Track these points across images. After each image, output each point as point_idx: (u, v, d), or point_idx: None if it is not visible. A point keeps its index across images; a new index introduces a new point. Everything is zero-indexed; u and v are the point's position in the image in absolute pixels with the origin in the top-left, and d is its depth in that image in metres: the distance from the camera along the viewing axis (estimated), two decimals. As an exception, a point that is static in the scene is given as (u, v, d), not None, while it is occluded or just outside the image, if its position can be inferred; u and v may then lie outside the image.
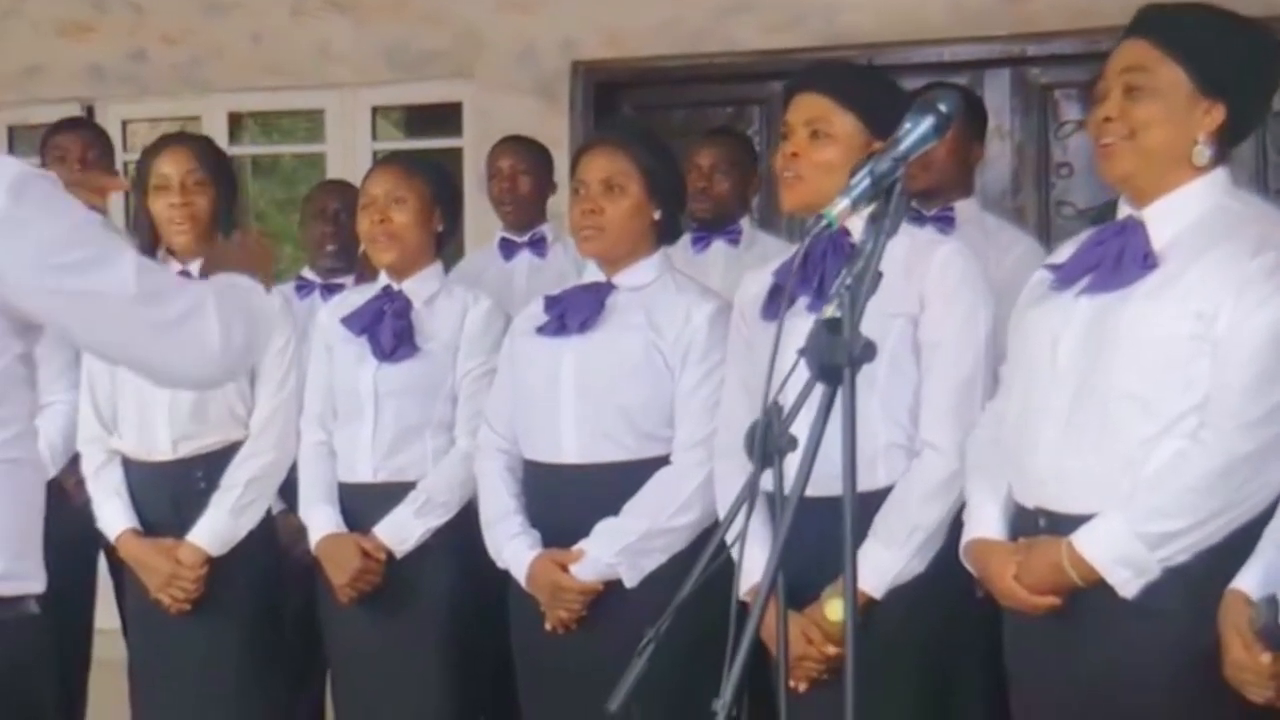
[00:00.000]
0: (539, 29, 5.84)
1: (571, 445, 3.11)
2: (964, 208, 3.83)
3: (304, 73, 6.17)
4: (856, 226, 2.41)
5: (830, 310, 1.81)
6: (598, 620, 3.06)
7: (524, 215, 4.69)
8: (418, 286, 3.52)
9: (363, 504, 3.45)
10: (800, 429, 1.85)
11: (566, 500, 3.10)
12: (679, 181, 3.29)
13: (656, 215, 3.16)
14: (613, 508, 3.06)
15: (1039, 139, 5.54)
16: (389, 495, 3.42)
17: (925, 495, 2.68)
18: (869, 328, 1.80)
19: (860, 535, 2.56)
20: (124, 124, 6.39)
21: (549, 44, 5.84)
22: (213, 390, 3.49)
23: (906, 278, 2.69)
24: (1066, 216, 5.46)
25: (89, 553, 4.05)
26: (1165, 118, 2.37)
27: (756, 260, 3.73)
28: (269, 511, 3.60)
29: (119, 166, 5.10)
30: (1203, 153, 2.38)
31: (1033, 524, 2.46)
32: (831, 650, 2.65)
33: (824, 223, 1.85)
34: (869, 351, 1.78)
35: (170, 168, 3.55)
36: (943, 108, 1.90)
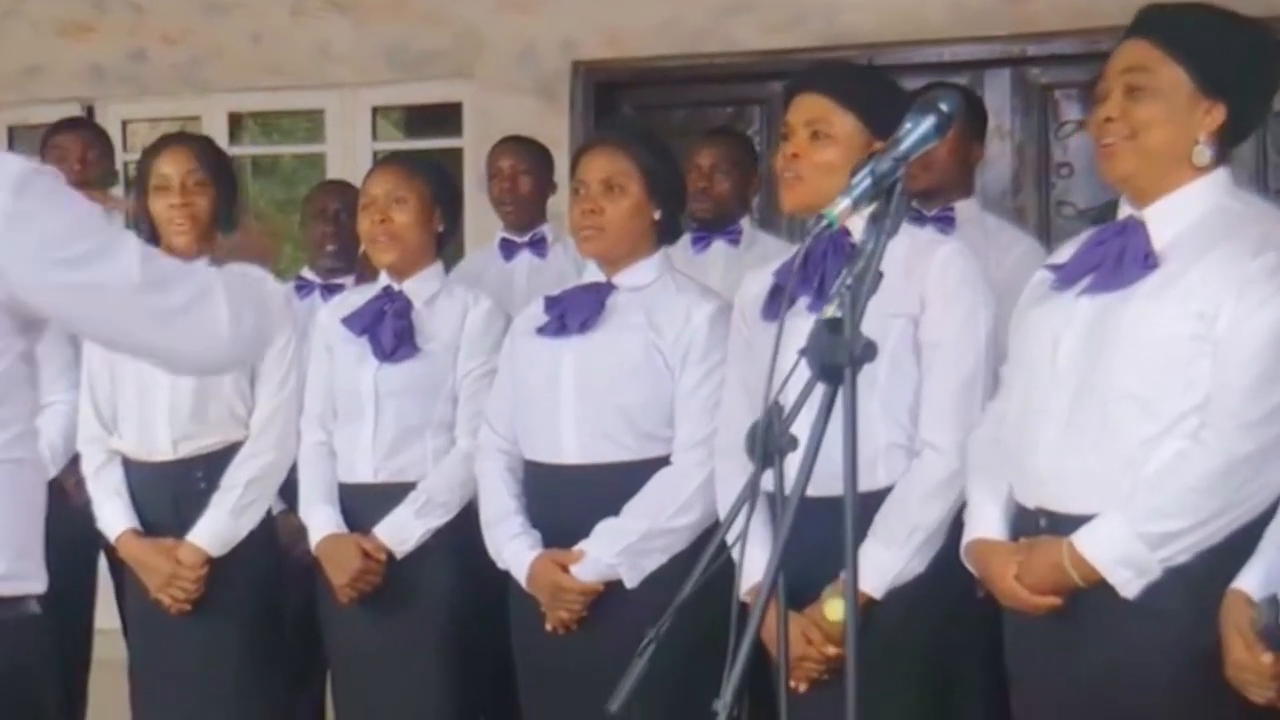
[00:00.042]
0: (539, 29, 5.84)
1: (572, 445, 3.11)
2: (964, 208, 3.83)
3: (304, 73, 6.17)
4: (857, 227, 2.40)
5: (831, 310, 1.81)
6: (598, 621, 3.06)
7: (524, 215, 4.69)
8: (418, 287, 3.52)
9: (363, 504, 3.45)
10: (801, 429, 1.85)
11: (567, 501, 3.10)
12: (679, 181, 3.29)
13: (656, 215, 3.16)
14: (613, 508, 3.06)
15: (1039, 139, 5.54)
16: (389, 495, 3.42)
17: (925, 495, 2.68)
18: (869, 328, 1.80)
19: (860, 536, 2.56)
20: (124, 124, 6.39)
21: (549, 44, 5.84)
22: (214, 389, 3.51)
23: (907, 278, 2.68)
24: (1067, 217, 5.45)
25: (89, 553, 4.05)
26: (1166, 118, 2.37)
27: (757, 260, 3.73)
28: (269, 512, 3.60)
29: (119, 166, 5.10)
30: (1203, 153, 2.38)
31: (1033, 524, 2.46)
32: (831, 650, 2.65)
33: (825, 223, 1.85)
34: (870, 351, 1.77)
35: (170, 168, 3.55)
36: (944, 107, 1.90)
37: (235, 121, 6.51)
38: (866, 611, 2.57)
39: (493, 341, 3.43)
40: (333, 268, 4.36)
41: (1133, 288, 2.37)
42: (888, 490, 2.70)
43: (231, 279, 2.23)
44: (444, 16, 5.97)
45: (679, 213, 3.30)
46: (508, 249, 4.69)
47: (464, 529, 3.37)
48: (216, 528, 3.49)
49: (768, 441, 1.88)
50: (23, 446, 2.13)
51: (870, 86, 2.88)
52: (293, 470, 3.57)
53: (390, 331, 3.45)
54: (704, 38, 5.67)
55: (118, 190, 5.02)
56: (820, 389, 1.81)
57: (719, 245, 4.43)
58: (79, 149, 4.45)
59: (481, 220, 5.25)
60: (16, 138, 6.46)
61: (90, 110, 6.30)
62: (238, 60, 6.21)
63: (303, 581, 3.60)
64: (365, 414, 3.45)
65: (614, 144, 3.18)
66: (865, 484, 2.06)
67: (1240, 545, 2.27)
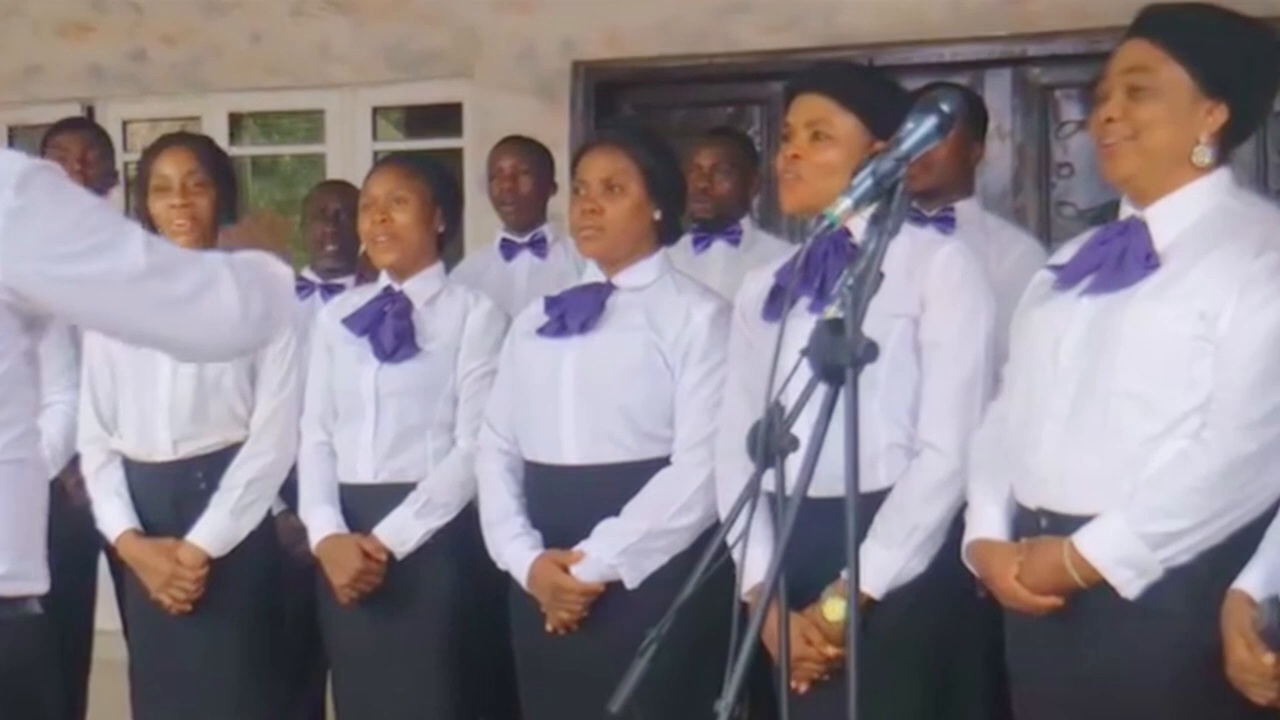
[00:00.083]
0: (539, 29, 5.84)
1: (572, 446, 3.11)
2: (965, 208, 3.83)
3: (304, 73, 6.17)
4: (857, 227, 2.42)
5: (832, 311, 1.80)
6: (599, 621, 3.06)
7: (525, 215, 4.68)
8: (419, 287, 3.51)
9: (363, 505, 3.45)
10: (801, 430, 1.84)
11: (567, 501, 3.10)
12: (679, 181, 3.29)
13: (657, 215, 3.16)
14: (613, 508, 3.06)
15: (1039, 139, 5.53)
16: (389, 496, 3.42)
17: (924, 495, 2.68)
18: (870, 328, 1.80)
19: (861, 536, 2.56)
20: (124, 124, 6.39)
21: (549, 44, 5.83)
22: (215, 389, 3.51)
23: (907, 278, 2.68)
24: (1067, 217, 5.45)
25: (90, 553, 4.05)
26: (1167, 118, 2.37)
27: (757, 261, 3.73)
28: (269, 512, 3.60)
29: (119, 167, 5.09)
30: (1204, 153, 2.38)
31: (1034, 524, 2.46)
32: (830, 651, 2.65)
33: (826, 223, 1.85)
34: (871, 352, 1.77)
35: (171, 168, 3.55)
36: (945, 107, 1.90)
37: (235, 121, 6.51)
38: (866, 611, 2.57)
39: (493, 342, 3.43)
40: (333, 268, 4.36)
41: (1134, 288, 2.37)
42: (888, 490, 2.71)
43: (239, 264, 2.23)
44: (444, 16, 5.96)
45: (679, 213, 3.30)
46: (508, 249, 4.69)
47: (464, 529, 3.37)
48: (217, 528, 3.49)
49: (769, 442, 1.88)
50: (25, 447, 2.13)
51: (871, 87, 2.88)
52: (293, 470, 3.57)
53: (391, 332, 3.44)
54: (704, 38, 5.67)
55: (118, 190, 5.02)
56: (821, 389, 1.81)
57: (719, 245, 4.43)
58: (79, 149, 4.45)
59: (482, 220, 5.24)
60: (16, 138, 6.46)
61: (90, 110, 6.30)
62: (238, 60, 6.21)
63: (303, 582, 3.60)
64: (365, 414, 3.45)
65: (614, 144, 3.18)
66: (866, 484, 2.07)
67: (1241, 545, 2.27)
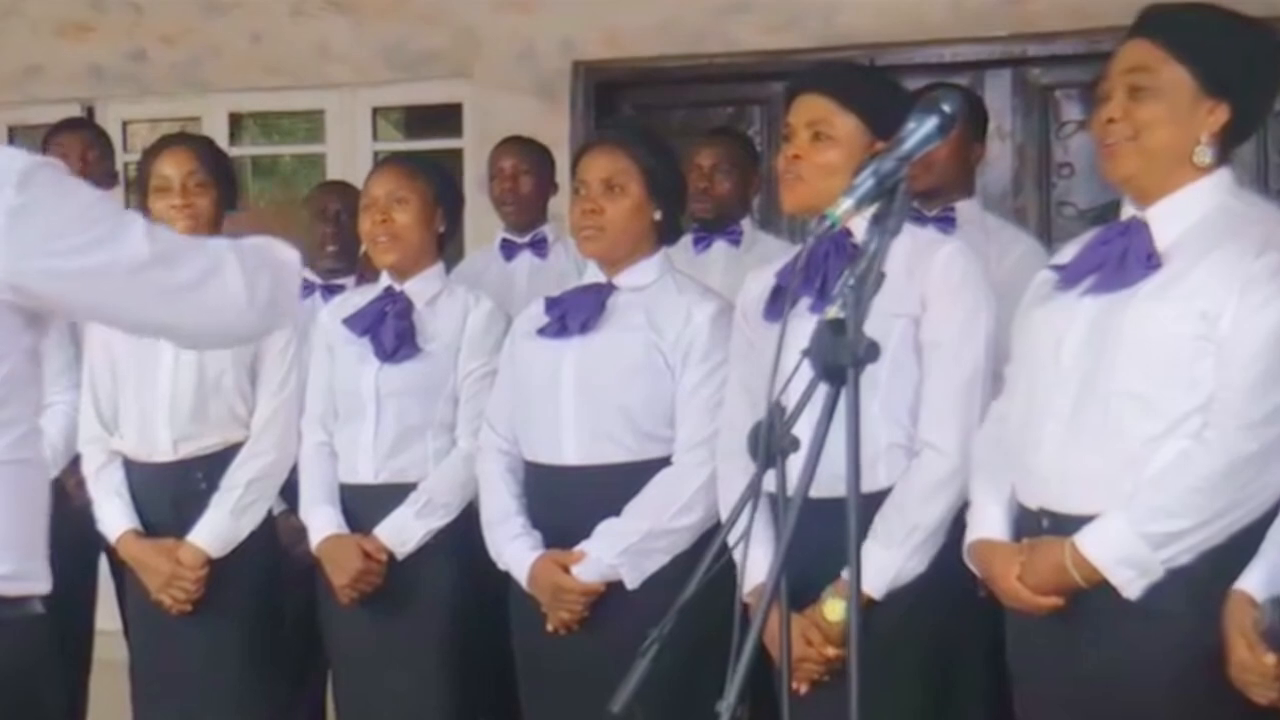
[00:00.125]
0: (539, 29, 5.84)
1: (572, 446, 3.10)
2: (965, 208, 3.83)
3: (304, 73, 6.17)
4: (858, 227, 2.42)
5: (834, 311, 1.80)
6: (599, 621, 3.06)
7: (526, 216, 4.68)
8: (419, 287, 3.51)
9: (364, 505, 3.45)
10: (802, 430, 1.84)
11: (568, 501, 3.10)
12: (679, 182, 3.29)
13: (657, 215, 3.16)
14: (614, 509, 3.06)
15: (1040, 139, 5.53)
16: (390, 496, 3.42)
17: (924, 495, 2.68)
18: (871, 328, 1.80)
19: (861, 536, 2.56)
20: (124, 124, 6.39)
21: (549, 44, 5.83)
22: (215, 389, 3.51)
23: (908, 278, 2.68)
24: (1067, 217, 5.45)
25: (90, 554, 4.05)
26: (1169, 118, 2.37)
27: (757, 261, 3.73)
28: (270, 512, 3.60)
29: (119, 167, 5.09)
30: (1205, 153, 2.38)
31: (1036, 524, 2.45)
32: (830, 651, 2.65)
33: (828, 223, 1.85)
34: (873, 352, 1.77)
35: (171, 169, 3.55)
36: (946, 108, 1.90)
37: (235, 122, 6.51)
38: (866, 612, 2.57)
39: (494, 342, 3.43)
40: (333, 269, 4.36)
41: (1136, 288, 2.37)
42: (889, 491, 2.71)
43: (245, 249, 2.23)
44: (443, 16, 5.96)
45: (679, 213, 3.29)
46: (508, 249, 4.69)
47: (465, 530, 3.37)
48: (217, 528, 3.49)
49: (770, 442, 1.88)
50: (28, 447, 2.13)
51: (872, 87, 2.88)
52: (293, 471, 3.57)
53: (391, 332, 3.44)
54: (704, 38, 5.67)
55: (118, 191, 5.02)
56: (822, 390, 1.81)
57: (720, 246, 4.43)
58: (79, 149, 4.45)
59: (482, 221, 5.24)
60: (16, 138, 6.46)
61: (90, 110, 6.30)
62: (237, 60, 6.20)
63: (303, 582, 3.60)
64: (366, 414, 3.45)
65: (614, 144, 3.18)
66: (866, 484, 2.07)
67: (1243, 546, 2.27)
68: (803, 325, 2.11)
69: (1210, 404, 2.31)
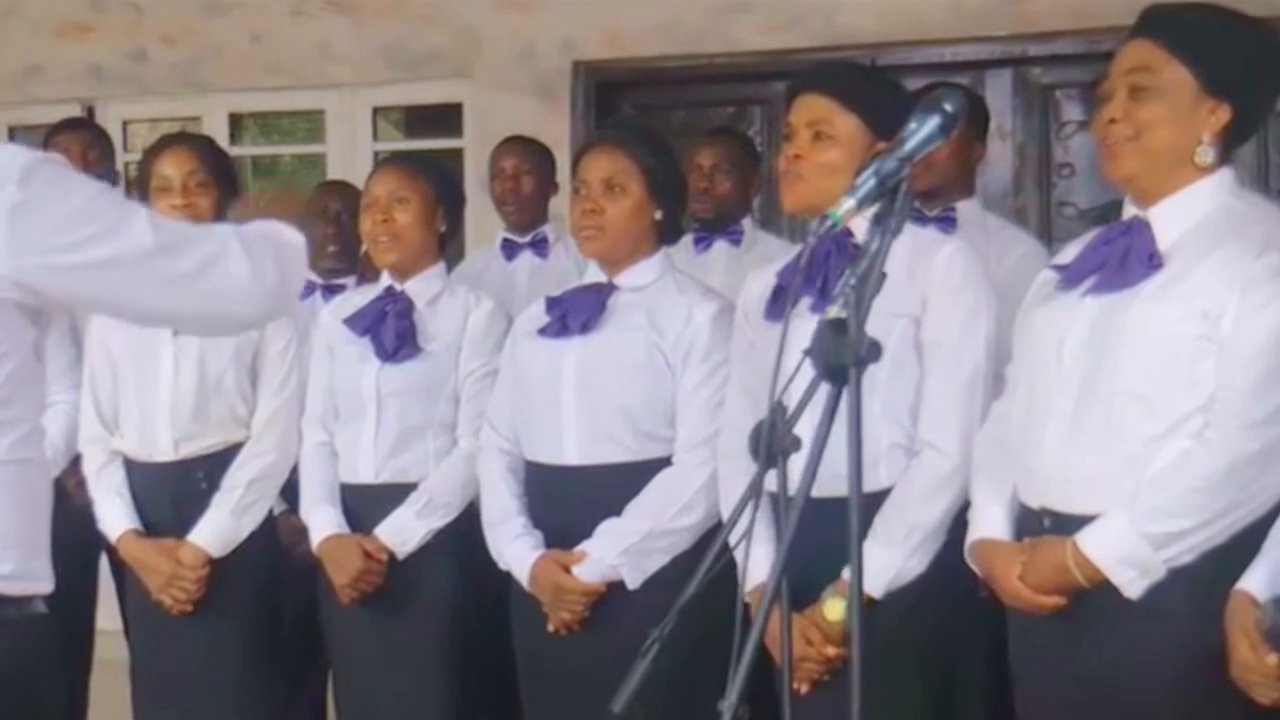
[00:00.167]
0: (539, 29, 5.84)
1: (573, 446, 3.10)
2: (966, 208, 3.83)
3: (304, 73, 6.17)
4: (859, 227, 2.42)
5: (835, 311, 1.80)
6: (600, 621, 3.05)
7: (527, 215, 4.68)
8: (420, 287, 3.51)
9: (364, 505, 3.45)
10: (803, 430, 1.84)
11: (568, 501, 3.10)
12: (680, 181, 3.28)
13: (657, 215, 3.16)
14: (615, 509, 3.06)
15: (1040, 139, 5.53)
16: (391, 496, 3.42)
17: (924, 495, 2.68)
18: (872, 328, 1.80)
19: (862, 536, 2.55)
20: (124, 124, 6.39)
21: (549, 44, 5.83)
22: (216, 389, 3.51)
23: (909, 278, 2.68)
24: (1068, 217, 5.45)
25: (91, 554, 4.05)
26: (1170, 118, 2.37)
27: (758, 261, 3.73)
28: (270, 512, 3.60)
29: (119, 167, 5.09)
30: (1207, 153, 2.38)
31: (1037, 524, 2.46)
32: (830, 651, 2.65)
33: (830, 223, 1.85)
34: (875, 352, 1.77)
35: (171, 169, 3.56)
36: (948, 107, 1.89)
37: (235, 122, 6.51)
38: (867, 611, 2.56)
39: (494, 342, 3.43)
40: (334, 268, 4.35)
41: (1137, 287, 2.37)
42: (889, 491, 2.70)
43: (250, 234, 2.22)
44: (443, 16, 5.96)
45: (680, 213, 3.29)
46: (509, 249, 4.69)
47: (465, 530, 3.37)
48: (217, 528, 3.49)
49: (771, 442, 1.87)
50: (30, 446, 2.13)
51: (872, 87, 2.88)
52: (294, 471, 3.57)
53: (392, 332, 3.44)
54: (704, 38, 5.67)
55: (118, 191, 5.01)
56: (824, 389, 1.81)
57: (720, 245, 4.43)
58: (79, 149, 4.45)
59: (483, 221, 5.24)
60: (16, 138, 6.45)
61: (90, 110, 6.30)
62: (237, 60, 6.20)
63: (303, 582, 3.60)
64: (367, 414, 3.45)
65: (615, 144, 3.17)
66: (867, 484, 2.08)
67: (1244, 545, 2.27)
68: (804, 325, 2.10)
69: (1211, 404, 2.31)
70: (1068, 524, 2.39)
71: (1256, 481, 2.28)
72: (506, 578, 3.18)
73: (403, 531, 3.40)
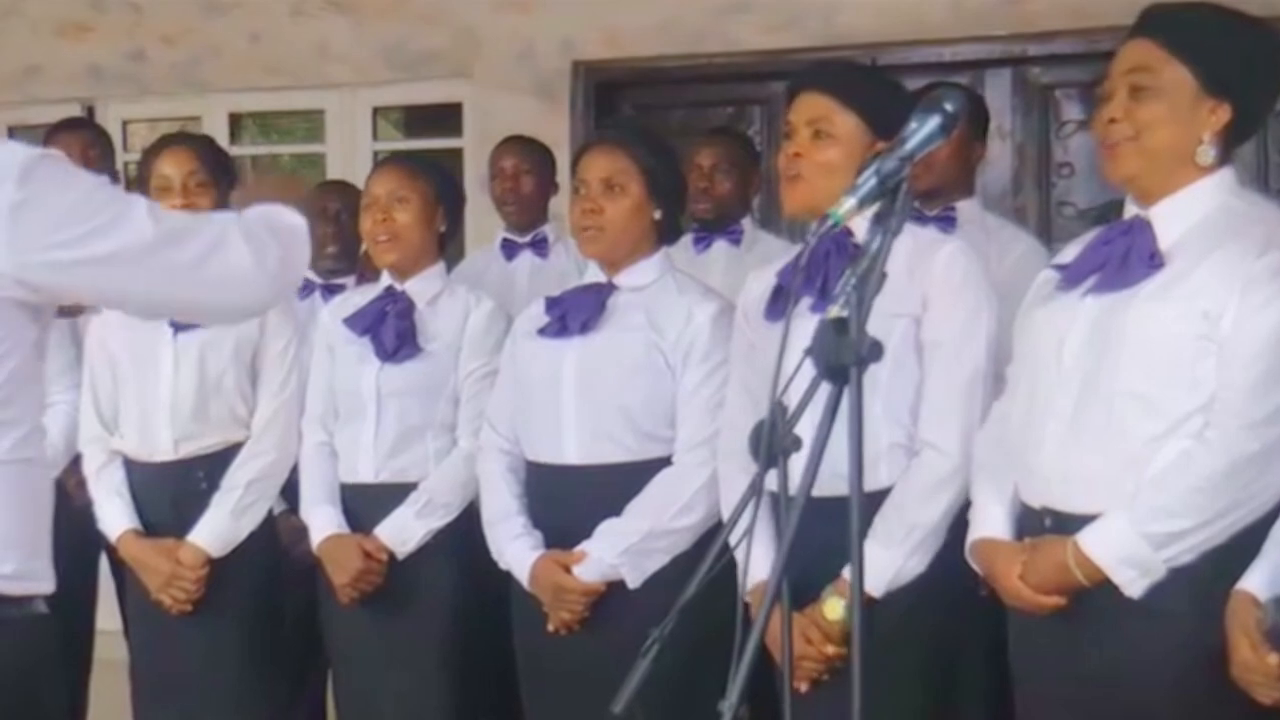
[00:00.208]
0: (538, 29, 5.84)
1: (573, 446, 3.10)
2: (966, 208, 3.83)
3: (303, 73, 6.17)
4: (859, 227, 2.42)
5: (835, 310, 1.80)
6: (600, 621, 3.05)
7: (527, 215, 4.68)
8: (420, 287, 3.51)
9: (364, 505, 3.45)
10: (804, 429, 1.84)
11: (568, 501, 3.10)
12: (679, 181, 3.28)
13: (657, 215, 3.16)
14: (615, 508, 3.06)
15: (1040, 139, 5.53)
16: (390, 496, 3.42)
17: (924, 494, 2.68)
18: (872, 327, 1.80)
19: (863, 536, 2.55)
20: (124, 124, 6.39)
21: (548, 44, 5.83)
22: (216, 389, 3.51)
23: (909, 277, 2.68)
24: (1067, 216, 5.45)
25: (91, 554, 4.05)
26: (1170, 118, 2.37)
27: (758, 260, 3.73)
28: (270, 512, 3.60)
29: (119, 167, 5.09)
30: (1207, 152, 2.38)
31: (1038, 523, 2.45)
32: (830, 650, 2.65)
33: (830, 222, 1.85)
34: (876, 351, 1.77)
35: (171, 169, 3.56)
36: (949, 107, 1.90)
37: (235, 121, 6.50)
38: (867, 611, 2.56)
39: (494, 342, 3.43)
40: (333, 268, 4.35)
41: (1138, 287, 2.37)
42: (890, 490, 2.70)
43: (251, 220, 2.22)
44: (443, 16, 5.96)
45: (679, 213, 3.29)
46: (509, 249, 4.69)
47: (465, 530, 3.37)
48: (217, 528, 3.49)
49: (772, 442, 1.87)
50: (31, 446, 2.13)
51: (873, 86, 2.88)
52: (294, 471, 3.57)
53: (392, 332, 3.44)
54: (704, 38, 5.67)
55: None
56: (825, 389, 1.81)
57: (720, 245, 4.43)
58: (79, 149, 4.44)
59: (482, 220, 5.24)
60: (16, 138, 6.44)
61: (90, 110, 6.30)
62: (237, 60, 6.21)
63: (303, 582, 3.60)
64: (367, 414, 3.45)
65: (614, 144, 3.17)
66: (868, 484, 2.07)
67: (1245, 545, 2.27)
68: (804, 325, 2.11)
69: (1212, 404, 2.31)
70: (1068, 524, 2.39)
71: (1257, 481, 2.28)
72: (506, 578, 3.18)
73: (403, 531, 3.40)
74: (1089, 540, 2.34)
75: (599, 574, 3.03)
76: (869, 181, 1.86)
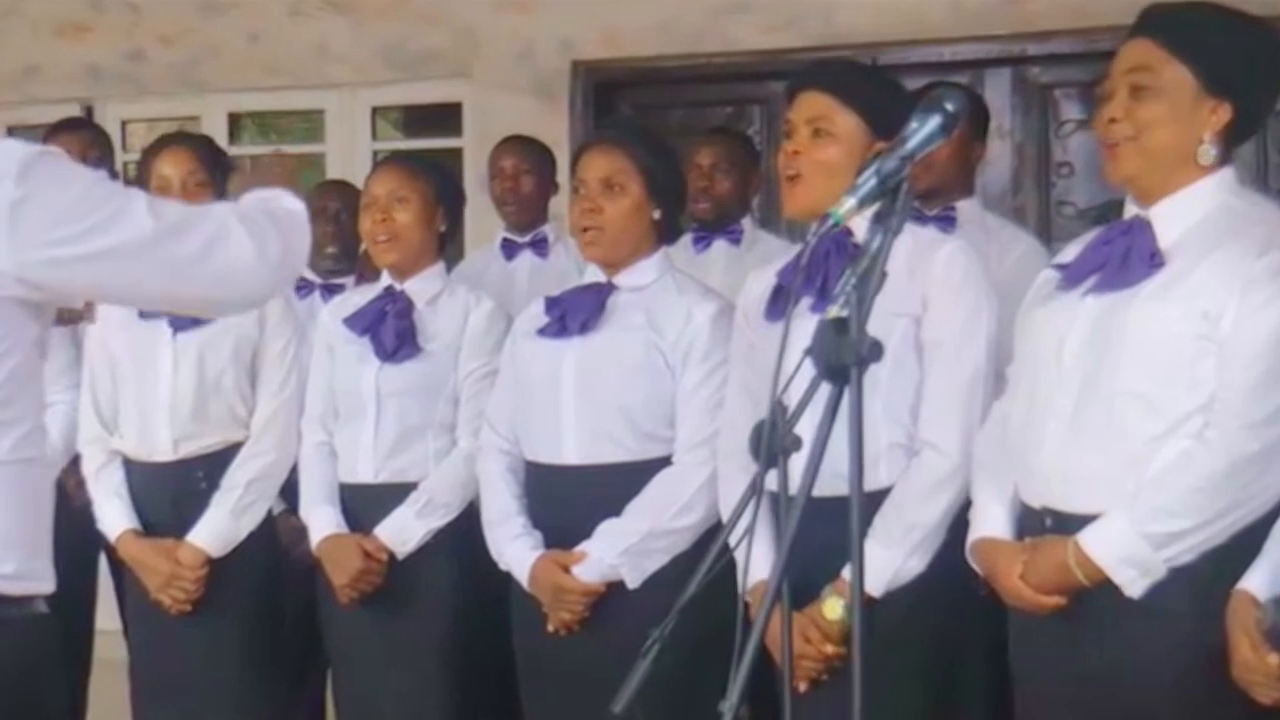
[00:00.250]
0: (537, 29, 5.84)
1: (572, 446, 3.10)
2: (965, 208, 3.83)
3: (303, 73, 6.17)
4: (859, 227, 2.42)
5: (835, 310, 1.80)
6: (600, 621, 3.05)
7: (527, 215, 4.68)
8: (420, 287, 3.51)
9: (364, 505, 3.45)
10: (804, 429, 1.84)
11: (568, 501, 3.10)
12: (679, 181, 3.28)
13: (656, 215, 3.15)
14: (614, 509, 3.05)
15: (1039, 139, 5.53)
16: (390, 496, 3.42)
17: (923, 494, 2.68)
18: (872, 327, 1.80)
19: (863, 536, 2.55)
20: (123, 124, 6.38)
21: (548, 44, 5.83)
22: (215, 389, 3.51)
23: (909, 277, 2.68)
24: (1067, 216, 5.45)
25: (90, 554, 4.05)
26: (1170, 117, 2.37)
27: (758, 260, 3.73)
28: (270, 512, 3.60)
29: (119, 167, 5.09)
30: (1208, 152, 2.38)
31: (1039, 523, 2.45)
32: (829, 649, 2.65)
33: (831, 221, 1.85)
34: (876, 351, 1.77)
35: (170, 169, 3.56)
36: (949, 107, 1.90)
37: (234, 121, 6.50)
38: (867, 611, 2.56)
39: (494, 342, 3.43)
40: (333, 268, 4.36)
41: (1138, 287, 2.36)
42: (890, 490, 2.70)
43: (250, 208, 2.22)
44: (442, 16, 5.96)
45: (679, 212, 3.29)
46: (509, 249, 4.69)
47: (465, 530, 3.36)
48: (217, 528, 3.49)
49: (772, 442, 1.87)
50: (32, 445, 2.13)
51: (873, 86, 2.88)
52: (293, 471, 3.57)
53: (392, 332, 3.44)
54: (703, 38, 5.67)
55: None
56: (825, 389, 1.81)
57: (720, 245, 4.42)
58: (79, 149, 4.43)
59: (482, 220, 5.24)
60: (15, 138, 6.45)
61: (89, 110, 6.29)
62: (236, 60, 6.20)
63: (303, 582, 3.60)
64: (366, 414, 3.44)
65: (613, 143, 3.17)
66: (868, 484, 2.07)
67: (1245, 545, 2.27)
68: (804, 325, 2.10)
69: (1212, 404, 2.31)
70: (1069, 523, 2.39)
71: (1257, 481, 2.28)
72: (506, 578, 3.18)
73: (402, 531, 3.40)
74: (1089, 540, 2.34)
75: (599, 574, 3.03)
76: (869, 181, 1.86)
